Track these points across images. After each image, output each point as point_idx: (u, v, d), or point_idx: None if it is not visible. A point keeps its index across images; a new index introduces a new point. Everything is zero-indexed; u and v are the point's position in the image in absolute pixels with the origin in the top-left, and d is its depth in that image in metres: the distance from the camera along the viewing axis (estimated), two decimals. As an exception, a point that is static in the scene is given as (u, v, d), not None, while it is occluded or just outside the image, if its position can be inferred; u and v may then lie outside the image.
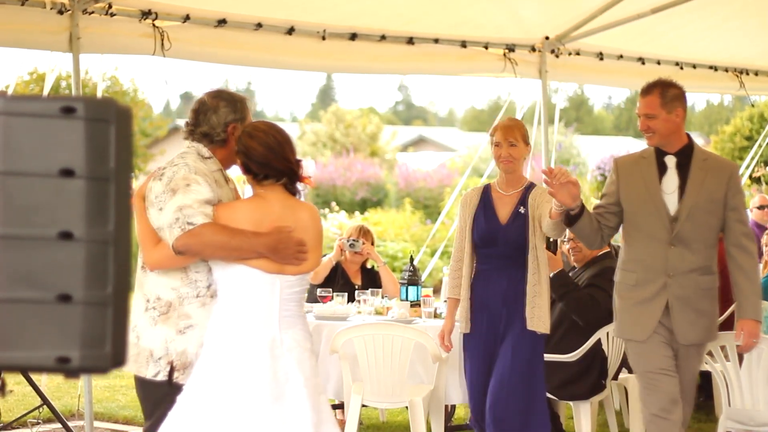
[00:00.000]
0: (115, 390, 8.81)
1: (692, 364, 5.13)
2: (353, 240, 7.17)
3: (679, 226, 5.00)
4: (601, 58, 8.74)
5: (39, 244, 1.83)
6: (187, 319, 4.04)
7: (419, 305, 6.58)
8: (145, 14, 6.54)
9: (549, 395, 6.10)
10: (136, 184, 4.36)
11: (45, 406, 6.60)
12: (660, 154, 5.09)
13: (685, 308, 5.02)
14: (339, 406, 6.69)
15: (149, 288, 4.10)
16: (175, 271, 4.05)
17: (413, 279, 6.68)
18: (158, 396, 4.04)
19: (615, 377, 6.51)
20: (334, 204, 19.56)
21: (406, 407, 6.19)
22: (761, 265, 7.17)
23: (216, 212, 3.95)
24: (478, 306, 5.37)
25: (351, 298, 6.83)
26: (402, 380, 5.92)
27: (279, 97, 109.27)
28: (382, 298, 6.83)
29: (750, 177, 12.44)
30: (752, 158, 11.60)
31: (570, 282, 6.25)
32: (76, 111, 1.84)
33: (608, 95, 77.90)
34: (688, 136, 5.15)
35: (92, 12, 6.37)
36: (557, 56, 8.52)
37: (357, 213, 20.30)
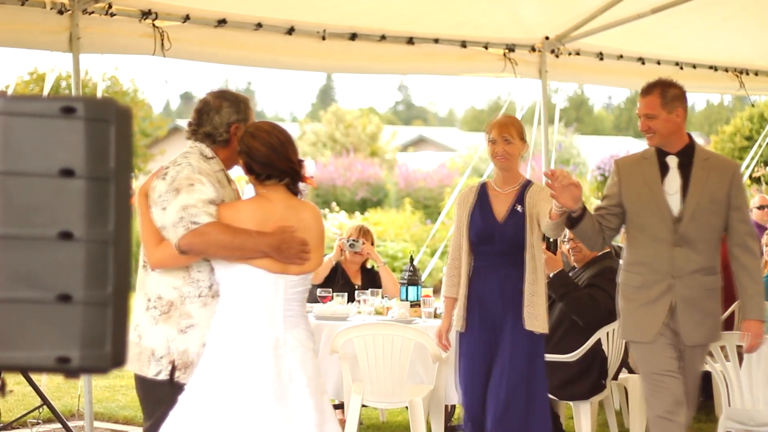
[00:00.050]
0: (115, 390, 8.81)
1: (696, 365, 5.12)
2: (353, 240, 7.17)
3: (683, 227, 4.98)
4: (601, 58, 8.74)
5: (39, 244, 1.83)
6: (188, 319, 4.04)
7: (419, 305, 6.58)
8: (145, 14, 6.54)
9: (549, 395, 6.10)
10: (136, 184, 4.36)
11: (45, 406, 6.60)
12: (661, 154, 5.07)
13: (691, 309, 5.00)
14: (339, 406, 6.69)
15: (151, 287, 4.11)
16: (177, 271, 4.06)
17: (413, 279, 6.68)
18: (159, 395, 4.04)
19: (615, 377, 6.51)
20: (334, 204, 19.56)
21: (406, 407, 6.19)
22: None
23: (219, 212, 3.96)
24: (475, 304, 5.33)
25: (351, 298, 6.83)
26: (402, 380, 5.92)
27: (279, 97, 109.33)
28: (382, 298, 6.83)
29: (750, 177, 12.45)
30: (752, 158, 11.60)
31: (570, 282, 6.25)
32: (76, 111, 1.84)
33: (608, 95, 77.93)
34: (689, 135, 5.13)
35: (92, 12, 6.37)
36: (557, 56, 8.52)
37: (357, 213, 20.31)
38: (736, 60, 9.52)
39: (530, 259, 5.26)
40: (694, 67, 9.25)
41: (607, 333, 6.20)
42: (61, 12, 6.25)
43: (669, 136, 5.02)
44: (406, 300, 6.63)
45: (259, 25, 7.08)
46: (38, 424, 7.17)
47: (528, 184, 5.39)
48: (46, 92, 7.47)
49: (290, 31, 7.21)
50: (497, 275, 5.30)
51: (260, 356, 3.88)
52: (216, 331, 3.96)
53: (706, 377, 6.85)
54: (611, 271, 6.28)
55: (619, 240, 7.13)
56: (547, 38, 8.43)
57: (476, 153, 20.32)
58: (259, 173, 4.03)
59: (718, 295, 5.11)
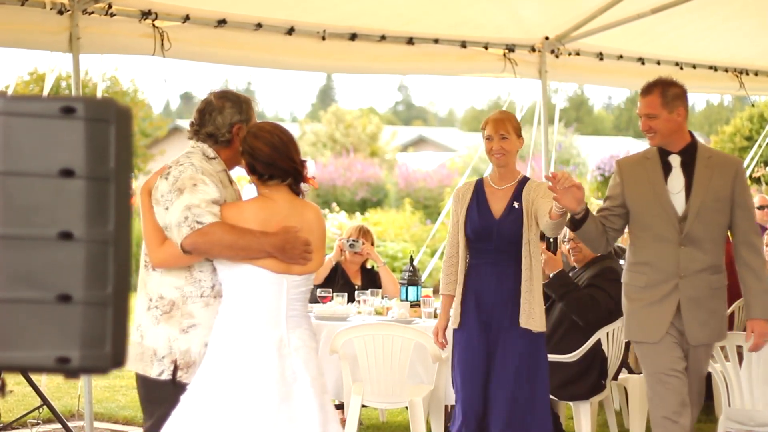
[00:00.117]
0: (115, 390, 8.80)
1: (700, 364, 5.09)
2: (353, 240, 7.17)
3: (688, 226, 4.95)
4: (601, 59, 8.74)
5: (39, 244, 1.83)
6: (190, 318, 4.04)
7: (419, 305, 6.58)
8: (145, 14, 6.54)
9: (549, 395, 6.10)
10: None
11: (45, 407, 6.59)
12: (663, 153, 5.04)
13: (697, 308, 4.97)
14: (339, 407, 6.69)
15: (152, 287, 4.11)
16: (179, 270, 4.06)
17: (413, 279, 6.68)
18: (161, 395, 4.04)
19: (615, 377, 6.51)
20: (334, 204, 19.57)
21: (406, 407, 6.19)
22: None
23: (223, 212, 3.97)
24: (471, 301, 5.28)
25: (351, 299, 6.83)
26: (402, 380, 5.92)
27: (279, 98, 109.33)
28: (382, 298, 6.83)
29: (750, 177, 12.44)
30: (752, 158, 11.60)
31: (570, 282, 6.25)
32: (76, 111, 1.84)
33: (608, 95, 77.95)
34: (691, 134, 5.10)
35: (92, 12, 6.37)
36: (557, 56, 8.52)
37: (357, 213, 20.31)
38: (736, 60, 9.52)
39: (526, 256, 5.22)
40: (694, 67, 9.24)
41: (607, 333, 6.20)
42: (61, 12, 6.25)
43: (670, 136, 5.00)
44: (406, 300, 6.62)
45: (259, 25, 7.08)
46: (38, 424, 7.17)
47: (525, 180, 5.34)
48: (46, 92, 7.46)
49: (290, 31, 7.20)
50: (494, 272, 5.26)
51: (264, 356, 3.88)
52: (219, 331, 3.97)
53: (706, 377, 6.85)
54: (611, 271, 6.28)
55: (619, 240, 7.12)
56: (547, 38, 8.42)
57: (476, 153, 20.32)
58: (261, 173, 4.04)
59: (724, 293, 5.09)
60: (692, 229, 4.95)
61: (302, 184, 4.10)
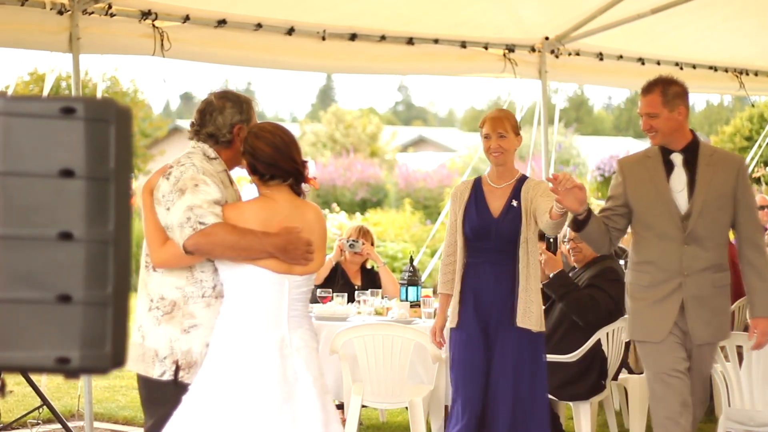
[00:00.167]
0: (115, 390, 8.80)
1: (705, 364, 5.06)
2: (353, 240, 7.17)
3: (691, 225, 4.93)
4: (601, 59, 8.74)
5: (39, 244, 1.83)
6: (191, 319, 4.04)
7: (419, 306, 6.58)
8: (145, 14, 6.54)
9: (549, 395, 6.09)
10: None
11: (45, 407, 6.59)
12: (665, 152, 5.01)
13: (701, 307, 4.95)
14: (339, 407, 6.69)
15: (153, 287, 4.11)
16: (180, 270, 4.06)
17: (413, 279, 6.68)
18: (162, 396, 4.04)
19: (615, 377, 6.51)
20: (334, 205, 19.57)
21: (406, 407, 6.19)
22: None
23: (224, 212, 3.97)
24: (469, 300, 5.25)
25: (351, 299, 6.83)
26: (402, 380, 5.92)
27: (279, 98, 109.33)
28: (382, 298, 6.83)
29: (750, 177, 12.44)
30: (752, 158, 11.60)
31: (570, 282, 6.25)
32: (76, 111, 1.84)
33: (608, 95, 77.94)
34: (692, 132, 5.07)
35: (92, 12, 6.37)
36: (557, 56, 8.52)
37: (357, 213, 20.31)
38: (736, 60, 9.52)
39: (524, 254, 5.19)
40: (694, 67, 9.24)
41: (607, 333, 6.20)
42: (60, 12, 6.25)
43: (672, 134, 4.97)
44: (406, 300, 6.62)
45: (259, 26, 7.08)
46: (38, 424, 7.17)
47: (524, 179, 5.32)
48: (46, 92, 7.46)
49: (290, 31, 7.20)
50: (492, 271, 5.24)
51: (266, 357, 3.88)
52: (221, 331, 3.97)
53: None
54: (611, 271, 6.27)
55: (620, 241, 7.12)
56: (546, 38, 8.43)
57: (476, 153, 20.31)
58: (263, 173, 4.04)
59: (728, 292, 5.07)
60: (695, 227, 4.93)
61: (303, 185, 4.10)
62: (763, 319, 5.00)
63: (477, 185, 5.39)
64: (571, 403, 6.28)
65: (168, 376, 4.03)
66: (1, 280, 1.82)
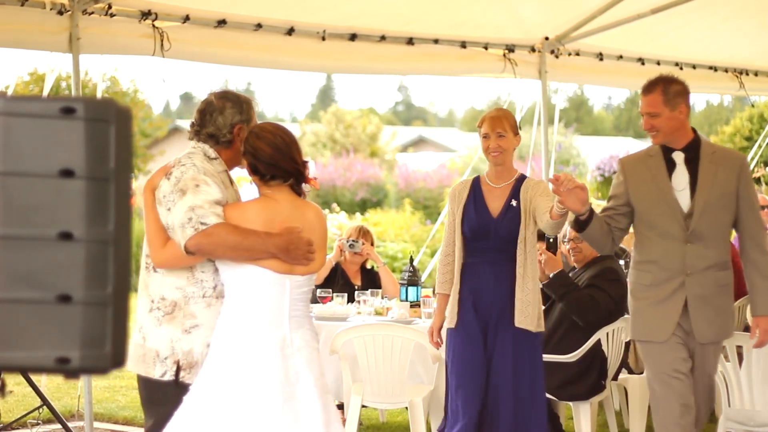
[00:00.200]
0: (115, 390, 8.80)
1: (708, 364, 5.03)
2: (353, 240, 7.17)
3: (694, 223, 4.90)
4: (601, 59, 8.74)
5: (39, 244, 1.83)
6: (192, 319, 4.04)
7: (419, 306, 6.58)
8: (145, 15, 6.54)
9: (549, 395, 6.09)
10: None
11: (45, 407, 6.59)
12: (667, 150, 4.99)
13: (704, 306, 4.92)
14: (339, 407, 6.69)
15: (154, 288, 4.10)
16: (181, 271, 4.06)
17: (413, 279, 6.68)
18: (163, 396, 4.04)
19: (615, 378, 6.51)
20: (334, 205, 19.57)
21: (406, 407, 6.19)
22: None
23: (226, 213, 3.97)
24: (468, 300, 5.23)
25: (351, 299, 6.83)
26: (402, 380, 5.92)
27: (279, 98, 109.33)
28: (382, 298, 6.83)
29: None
30: (752, 158, 11.60)
31: (570, 282, 6.24)
32: (76, 111, 1.84)
33: (608, 96, 77.96)
34: (694, 130, 5.05)
35: (92, 12, 6.37)
36: (557, 57, 8.52)
37: (357, 213, 20.31)
38: (735, 60, 9.52)
39: (521, 253, 5.17)
40: (694, 67, 9.24)
41: (607, 333, 6.20)
42: (60, 12, 6.25)
43: (673, 133, 4.95)
44: (406, 300, 6.62)
45: (259, 26, 7.08)
46: (38, 424, 7.17)
47: (523, 178, 5.30)
48: (45, 93, 7.46)
49: (290, 31, 7.20)
50: (492, 271, 5.22)
51: (268, 357, 3.88)
52: (222, 331, 3.97)
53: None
54: (611, 271, 6.27)
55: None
56: (546, 39, 8.43)
57: (476, 153, 20.32)
58: (263, 174, 4.04)
59: (731, 290, 5.04)
60: (698, 226, 4.91)
61: (303, 185, 4.11)
62: (765, 317, 4.98)
63: (475, 185, 5.37)
64: (571, 403, 6.28)
65: (169, 377, 4.03)
66: (1, 280, 1.82)
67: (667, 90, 4.92)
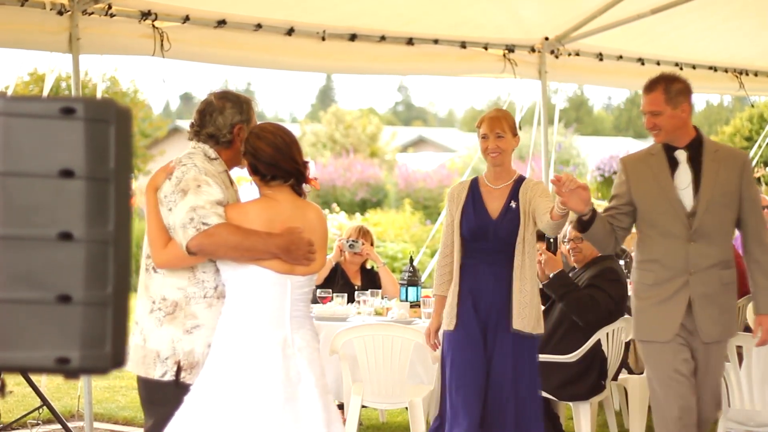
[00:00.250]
0: (115, 391, 8.80)
1: (714, 362, 4.97)
2: (353, 241, 7.17)
3: (697, 222, 4.87)
4: (601, 59, 8.74)
5: (39, 244, 1.83)
6: (194, 319, 4.04)
7: (419, 306, 6.58)
8: (145, 15, 6.54)
9: (549, 396, 6.09)
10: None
11: (45, 407, 6.59)
12: (669, 149, 4.97)
13: (709, 305, 4.89)
14: (339, 407, 6.69)
15: (155, 289, 4.10)
16: (182, 271, 4.05)
17: (413, 280, 6.68)
18: (163, 396, 4.03)
19: (615, 378, 6.51)
20: (334, 205, 19.58)
21: (406, 408, 6.19)
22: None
23: (227, 213, 3.97)
24: (467, 301, 5.20)
25: (351, 299, 6.83)
26: (402, 381, 5.92)
27: (279, 98, 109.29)
28: (382, 298, 6.83)
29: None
30: (752, 158, 11.60)
31: (570, 282, 6.24)
32: (76, 111, 1.84)
33: (608, 96, 77.96)
34: (696, 128, 5.02)
35: (92, 13, 6.37)
36: (557, 57, 8.52)
37: (357, 214, 20.32)
38: (735, 60, 9.52)
39: (519, 255, 5.15)
40: (694, 67, 9.24)
41: (607, 333, 6.19)
42: (60, 13, 6.25)
43: (675, 132, 4.92)
44: (406, 301, 6.62)
45: (259, 26, 7.08)
46: (38, 424, 7.17)
47: (521, 179, 5.28)
48: (45, 93, 7.47)
49: (290, 31, 7.21)
50: (491, 272, 5.19)
51: (269, 357, 3.88)
52: (223, 332, 3.97)
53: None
54: (611, 271, 6.27)
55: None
56: (546, 39, 8.43)
57: (476, 153, 20.32)
58: (264, 174, 4.04)
59: (735, 289, 5.01)
60: (702, 224, 4.88)
61: (304, 185, 4.11)
62: (767, 316, 4.98)
63: (474, 186, 5.35)
64: (571, 404, 6.28)
65: (169, 377, 4.03)
66: (1, 280, 1.83)
67: (669, 88, 4.90)
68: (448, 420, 5.28)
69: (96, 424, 7.27)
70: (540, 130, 8.84)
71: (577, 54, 8.60)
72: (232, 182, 4.25)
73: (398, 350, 5.88)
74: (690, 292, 4.89)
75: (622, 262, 6.78)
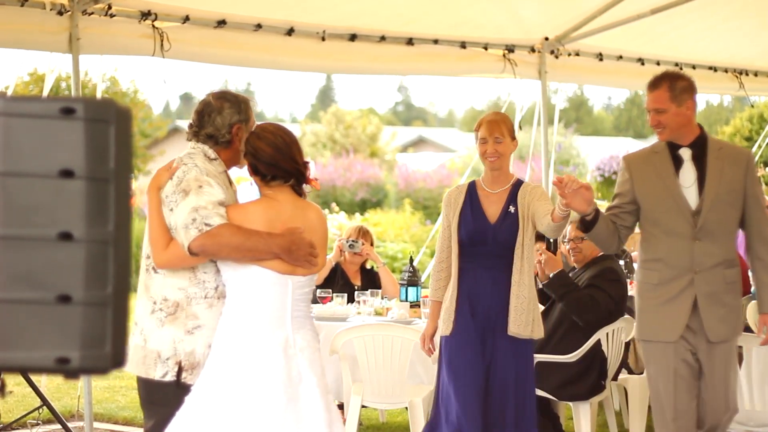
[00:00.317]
0: (115, 391, 8.80)
1: (720, 363, 4.90)
2: (353, 241, 7.17)
3: (702, 220, 4.83)
4: (601, 59, 8.74)
5: (39, 244, 1.83)
6: (195, 320, 4.04)
7: (419, 306, 6.58)
8: (145, 15, 6.54)
9: (549, 396, 6.10)
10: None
11: (45, 407, 6.59)
12: (673, 147, 4.93)
13: (715, 304, 4.84)
14: (339, 407, 6.69)
15: (156, 290, 4.10)
16: (183, 271, 4.05)
17: (413, 280, 6.68)
18: (163, 396, 4.03)
19: (615, 378, 6.51)
20: (334, 205, 19.58)
21: (406, 408, 6.19)
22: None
23: (228, 213, 3.96)
24: (465, 306, 5.15)
25: (351, 299, 6.83)
26: (402, 381, 5.92)
27: (279, 98, 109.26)
28: (382, 298, 6.83)
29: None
30: (752, 159, 11.59)
31: (570, 282, 6.24)
32: (76, 112, 1.84)
33: (608, 96, 77.94)
34: (700, 126, 4.99)
35: (92, 13, 6.37)
36: (557, 57, 8.52)
37: (357, 214, 20.32)
38: (735, 60, 9.52)
39: (518, 259, 5.12)
40: (694, 67, 9.24)
41: (607, 333, 6.19)
42: (60, 13, 6.25)
43: (680, 129, 4.89)
44: (406, 301, 6.62)
45: (259, 26, 7.08)
46: (38, 424, 7.17)
47: (519, 183, 5.25)
48: (45, 93, 7.47)
49: (290, 31, 7.21)
50: (490, 276, 5.15)
51: (271, 357, 3.88)
52: (224, 332, 3.96)
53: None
54: (611, 271, 6.27)
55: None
56: (546, 39, 8.43)
57: (476, 153, 20.33)
58: (264, 174, 4.05)
59: (739, 287, 4.98)
60: (706, 223, 4.84)
61: (304, 185, 4.11)
62: None
63: (471, 190, 5.31)
64: (570, 404, 6.28)
65: (170, 377, 4.03)
66: (1, 280, 1.83)
67: (674, 86, 4.87)
68: (449, 423, 5.22)
69: (96, 424, 7.27)
70: (540, 131, 8.84)
71: (577, 54, 8.60)
72: (231, 182, 4.25)
73: (398, 350, 5.88)
74: (695, 291, 4.84)
75: (622, 262, 6.78)
